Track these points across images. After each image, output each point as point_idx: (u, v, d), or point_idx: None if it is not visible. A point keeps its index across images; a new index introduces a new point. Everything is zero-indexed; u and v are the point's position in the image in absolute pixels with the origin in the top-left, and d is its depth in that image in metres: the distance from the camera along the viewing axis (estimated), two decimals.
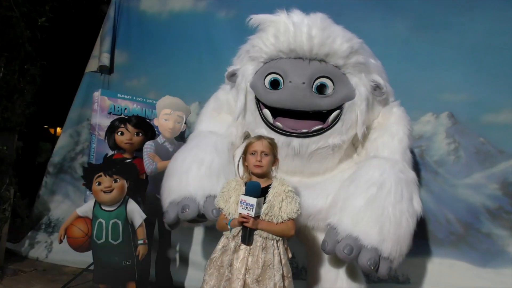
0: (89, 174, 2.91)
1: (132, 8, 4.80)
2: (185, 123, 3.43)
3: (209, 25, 4.36)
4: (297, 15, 2.42)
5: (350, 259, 2.12)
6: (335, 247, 2.14)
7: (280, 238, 2.05)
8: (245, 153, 2.15)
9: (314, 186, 2.50)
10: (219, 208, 2.13)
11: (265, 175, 2.13)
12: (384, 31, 3.66)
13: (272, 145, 2.14)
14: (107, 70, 4.71)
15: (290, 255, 2.12)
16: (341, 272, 2.43)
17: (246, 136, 2.79)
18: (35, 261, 4.15)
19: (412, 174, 2.43)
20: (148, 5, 4.72)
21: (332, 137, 2.44)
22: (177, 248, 3.91)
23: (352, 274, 2.45)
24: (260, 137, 2.16)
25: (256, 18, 2.51)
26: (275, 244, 2.03)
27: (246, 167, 2.15)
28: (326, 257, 2.47)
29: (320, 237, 2.40)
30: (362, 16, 3.71)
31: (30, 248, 4.32)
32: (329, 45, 2.37)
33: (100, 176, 2.85)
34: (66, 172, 4.74)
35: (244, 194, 1.98)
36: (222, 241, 2.08)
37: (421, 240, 3.31)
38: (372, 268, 2.08)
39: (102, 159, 3.01)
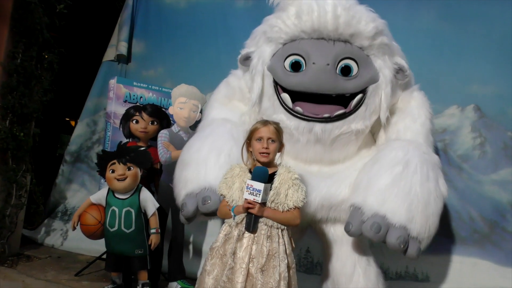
0: (103, 161, 2.91)
1: None
2: (201, 112, 3.37)
3: (227, 14, 4.29)
4: None
5: (378, 238, 2.02)
6: (362, 227, 2.05)
7: (285, 227, 1.97)
8: (249, 138, 2.04)
9: (335, 175, 2.41)
10: (222, 194, 2.04)
11: (271, 162, 2.04)
12: (409, 21, 3.55)
13: (279, 131, 2.04)
14: (124, 59, 4.69)
15: (293, 246, 2.03)
16: (358, 267, 2.34)
17: None
18: (51, 248, 4.18)
19: (436, 157, 2.34)
20: None
21: (355, 122, 2.34)
22: (191, 239, 3.88)
23: (369, 269, 2.36)
24: (266, 122, 2.05)
25: None
26: (280, 233, 1.94)
27: (250, 153, 2.05)
28: (343, 251, 2.39)
29: (339, 229, 2.33)
30: (387, 6, 3.53)
31: (46, 235, 4.35)
32: (354, 25, 2.26)
33: (114, 163, 2.84)
34: (82, 161, 4.75)
35: (250, 179, 1.90)
36: (224, 229, 1.99)
37: (443, 237, 3.18)
38: (402, 246, 1.99)
39: (116, 146, 2.98)
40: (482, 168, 3.27)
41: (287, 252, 1.95)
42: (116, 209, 2.82)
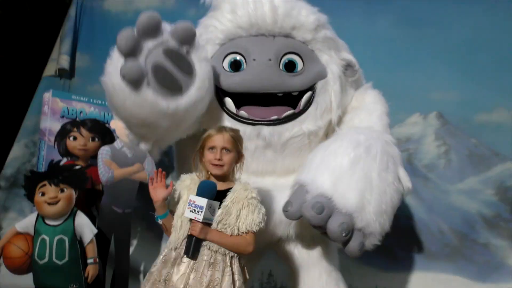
0: (31, 183, 2.60)
1: (95, 7, 4.53)
2: None
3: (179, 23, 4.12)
4: None
5: (318, 221, 1.77)
6: (302, 206, 1.81)
7: (235, 254, 1.70)
8: (202, 147, 1.79)
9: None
10: (170, 210, 1.77)
11: (226, 176, 1.79)
12: (366, 28, 3.50)
13: (235, 139, 1.79)
14: (67, 74, 4.40)
15: (247, 276, 1.77)
16: None
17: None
18: None
19: (397, 150, 2.13)
20: (112, 4, 4.46)
21: (307, 123, 2.16)
22: (142, 267, 3.56)
23: None
24: (221, 129, 1.80)
25: None
26: (227, 261, 1.67)
27: (203, 164, 1.80)
28: (310, 276, 2.20)
29: (304, 252, 2.18)
30: (342, 12, 3.48)
31: None
32: (295, 16, 2.15)
33: (44, 185, 2.54)
34: (20, 186, 4.34)
35: (195, 195, 1.65)
36: (165, 251, 1.73)
37: (412, 253, 3.17)
38: (344, 235, 1.75)
39: (47, 166, 2.67)
40: (448, 178, 3.25)
41: (237, 284, 1.66)
42: (47, 238, 2.50)
